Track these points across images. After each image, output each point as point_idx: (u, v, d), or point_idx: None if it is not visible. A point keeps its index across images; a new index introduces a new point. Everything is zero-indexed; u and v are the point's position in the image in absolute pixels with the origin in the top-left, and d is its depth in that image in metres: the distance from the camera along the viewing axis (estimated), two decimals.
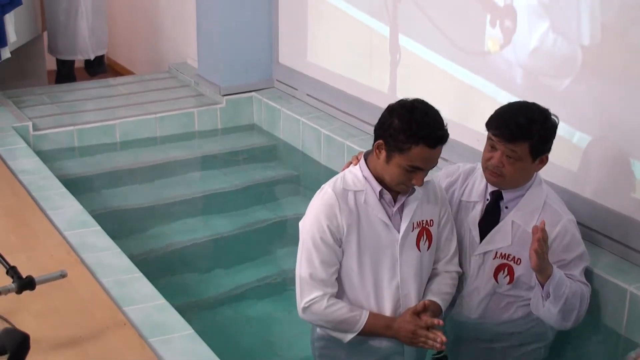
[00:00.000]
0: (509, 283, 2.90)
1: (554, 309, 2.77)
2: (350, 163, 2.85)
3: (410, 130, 2.54)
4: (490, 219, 2.94)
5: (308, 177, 4.98)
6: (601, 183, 3.43)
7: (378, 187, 2.68)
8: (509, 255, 2.89)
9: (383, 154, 2.62)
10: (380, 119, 2.65)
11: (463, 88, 4.11)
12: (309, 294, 2.69)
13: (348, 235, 2.67)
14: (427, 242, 2.77)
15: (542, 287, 2.75)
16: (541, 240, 2.63)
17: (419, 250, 2.75)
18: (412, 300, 2.74)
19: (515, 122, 2.78)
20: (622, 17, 3.27)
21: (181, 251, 4.15)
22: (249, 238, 4.30)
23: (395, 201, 2.72)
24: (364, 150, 2.81)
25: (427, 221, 2.77)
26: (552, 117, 2.84)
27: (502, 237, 2.90)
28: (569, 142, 3.49)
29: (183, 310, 3.13)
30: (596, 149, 3.44)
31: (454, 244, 2.88)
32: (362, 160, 2.73)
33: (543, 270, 2.70)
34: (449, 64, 4.17)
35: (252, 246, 4.26)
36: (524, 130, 2.76)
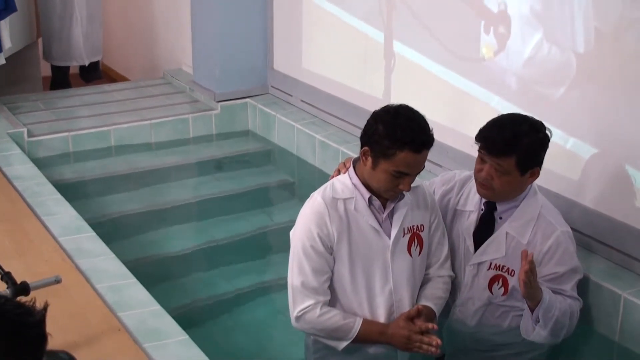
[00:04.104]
0: (503, 294, 2.89)
1: (543, 332, 2.76)
2: (339, 171, 2.83)
3: (395, 136, 2.53)
4: (485, 229, 2.92)
5: (303, 182, 4.99)
6: (596, 190, 3.42)
7: (367, 194, 2.67)
8: (503, 266, 2.87)
9: (369, 160, 2.61)
10: (365, 126, 2.64)
11: (457, 94, 4.11)
12: (302, 303, 2.68)
13: (339, 242, 2.66)
14: (418, 248, 2.76)
15: (532, 311, 2.74)
16: (528, 271, 2.61)
17: (411, 255, 2.74)
18: (405, 306, 2.74)
19: (501, 136, 2.73)
20: (615, 23, 3.27)
21: (176, 257, 4.15)
22: (244, 243, 4.30)
23: (384, 207, 2.71)
24: (352, 157, 2.81)
25: (417, 226, 2.76)
26: (544, 130, 2.78)
27: (495, 248, 2.88)
28: (563, 148, 3.50)
29: (177, 316, 3.13)
30: (591, 156, 3.44)
31: (445, 249, 2.88)
32: (351, 168, 2.72)
33: (532, 297, 2.70)
34: (443, 70, 4.18)
35: (247, 252, 4.26)
36: (508, 145, 2.72)
